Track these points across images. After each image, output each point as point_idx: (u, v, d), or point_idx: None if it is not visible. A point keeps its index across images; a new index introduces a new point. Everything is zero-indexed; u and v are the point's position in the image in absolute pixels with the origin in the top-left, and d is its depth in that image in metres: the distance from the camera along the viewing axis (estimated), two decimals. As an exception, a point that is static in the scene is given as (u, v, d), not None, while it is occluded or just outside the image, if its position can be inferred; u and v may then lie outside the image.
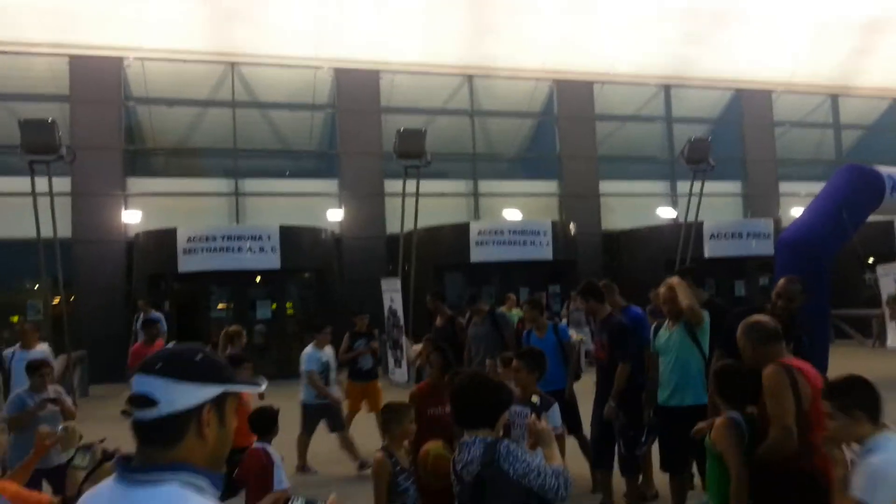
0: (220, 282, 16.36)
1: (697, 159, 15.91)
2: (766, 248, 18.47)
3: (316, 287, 17.30)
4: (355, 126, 18.90)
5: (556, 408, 4.80)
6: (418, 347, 8.50)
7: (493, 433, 3.07)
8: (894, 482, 2.58)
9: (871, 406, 2.77)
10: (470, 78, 20.06)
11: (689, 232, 16.02)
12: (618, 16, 19.49)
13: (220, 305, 17.04)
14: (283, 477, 4.49)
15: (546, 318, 7.16)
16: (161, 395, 1.46)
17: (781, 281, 5.17)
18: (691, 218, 16.00)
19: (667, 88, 21.78)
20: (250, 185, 18.60)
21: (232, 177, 18.51)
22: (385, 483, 3.88)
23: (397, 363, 14.61)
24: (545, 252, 17.16)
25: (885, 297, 14.51)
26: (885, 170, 14.16)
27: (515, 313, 12.27)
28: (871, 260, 16.86)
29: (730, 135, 22.01)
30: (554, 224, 17.82)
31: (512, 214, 19.58)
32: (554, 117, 20.88)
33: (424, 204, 14.85)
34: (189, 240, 15.19)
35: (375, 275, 16.32)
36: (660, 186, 21.86)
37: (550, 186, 20.84)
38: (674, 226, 19.55)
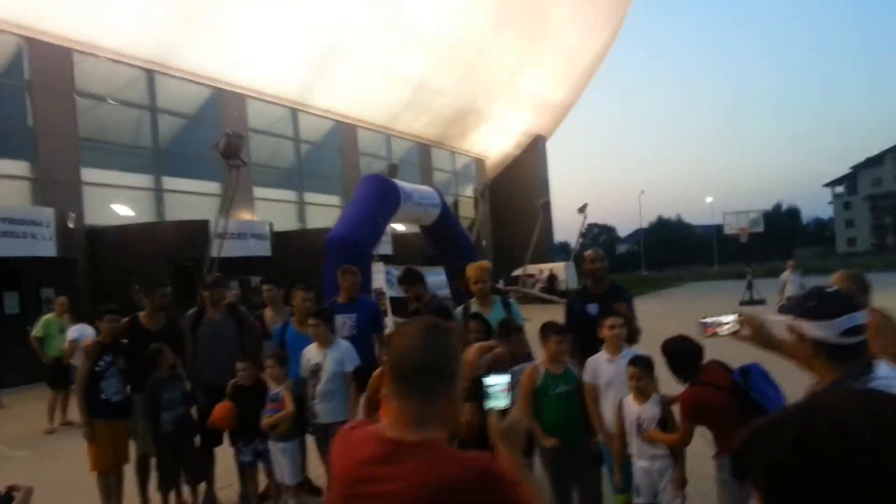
0: None
1: (232, 154, 15.33)
2: (264, 249, 18.97)
3: None
4: None
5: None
6: None
7: None
8: None
9: None
10: None
11: (223, 232, 15.24)
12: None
13: None
14: None
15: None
16: None
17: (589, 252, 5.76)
18: (226, 221, 15.20)
19: (150, 74, 20.06)
20: None
21: None
22: None
23: None
24: (49, 248, 13.88)
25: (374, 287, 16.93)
26: (399, 183, 16.59)
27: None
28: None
29: (207, 132, 21.57)
30: (57, 215, 14.50)
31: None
32: (24, 83, 16.89)
33: None
34: None
35: None
36: (144, 180, 19.97)
37: (21, 168, 16.78)
38: (174, 224, 18.20)
